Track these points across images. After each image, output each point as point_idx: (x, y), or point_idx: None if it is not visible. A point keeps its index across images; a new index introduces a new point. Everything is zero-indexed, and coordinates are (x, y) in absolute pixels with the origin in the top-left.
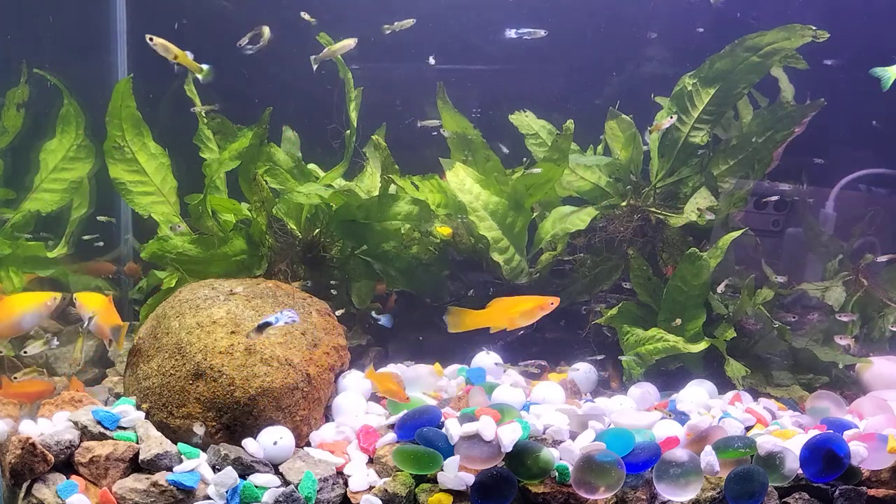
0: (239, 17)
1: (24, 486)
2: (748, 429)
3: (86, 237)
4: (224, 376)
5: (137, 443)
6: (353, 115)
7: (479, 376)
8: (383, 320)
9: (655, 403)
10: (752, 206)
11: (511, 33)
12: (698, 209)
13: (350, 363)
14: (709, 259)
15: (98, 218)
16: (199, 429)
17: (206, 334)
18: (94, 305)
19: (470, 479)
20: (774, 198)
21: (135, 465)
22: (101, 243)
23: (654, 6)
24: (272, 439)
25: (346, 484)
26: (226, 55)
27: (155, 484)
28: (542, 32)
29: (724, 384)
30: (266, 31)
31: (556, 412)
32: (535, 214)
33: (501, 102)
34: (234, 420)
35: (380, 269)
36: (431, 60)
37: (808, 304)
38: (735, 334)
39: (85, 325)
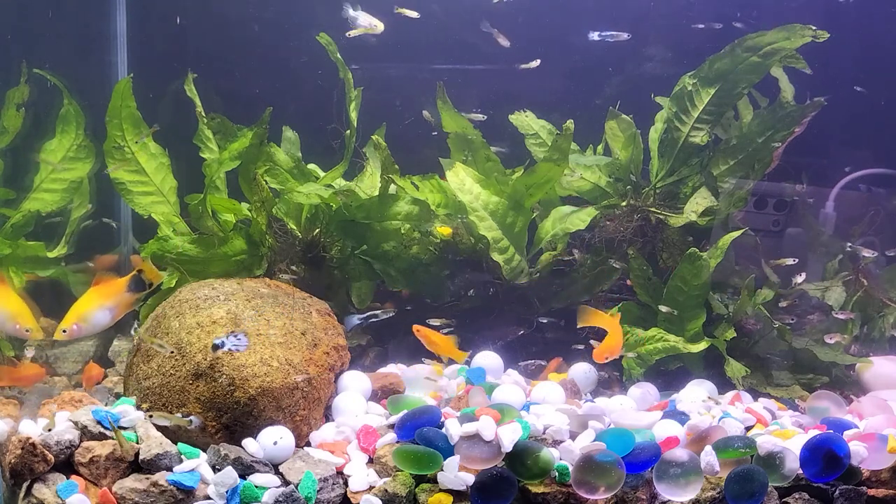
0: (239, 16)
1: (24, 485)
2: (748, 429)
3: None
4: (224, 376)
5: (137, 443)
6: (353, 115)
7: (479, 376)
8: (351, 322)
9: (655, 403)
10: (753, 206)
11: (594, 36)
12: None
13: (350, 363)
14: (709, 259)
15: (104, 220)
16: (160, 421)
17: (206, 334)
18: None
19: (470, 479)
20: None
21: (135, 465)
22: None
23: (653, 6)
24: (272, 439)
25: (346, 484)
26: (225, 55)
27: (155, 484)
28: (624, 35)
29: (724, 384)
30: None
31: (556, 412)
32: (534, 214)
33: (501, 102)
34: (234, 420)
35: (380, 269)
36: (535, 63)
37: (808, 304)
38: (735, 334)
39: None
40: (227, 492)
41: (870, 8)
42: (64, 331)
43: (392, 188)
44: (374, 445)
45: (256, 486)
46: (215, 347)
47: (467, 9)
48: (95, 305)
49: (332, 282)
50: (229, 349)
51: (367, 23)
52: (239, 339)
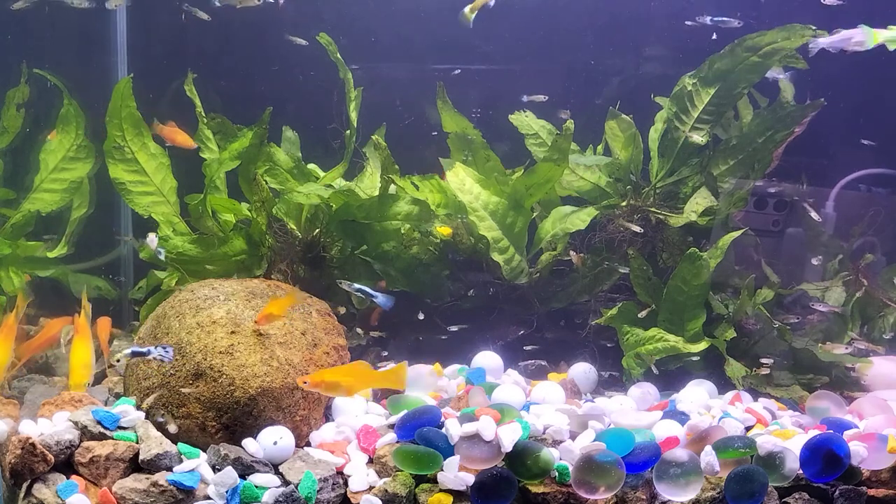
0: (239, 16)
1: (24, 486)
2: (748, 429)
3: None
4: (224, 376)
5: (137, 443)
6: (353, 115)
7: (479, 376)
8: (380, 299)
9: (655, 403)
10: (753, 206)
11: (706, 20)
12: None
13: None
14: (709, 259)
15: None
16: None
17: (206, 334)
18: None
19: (470, 479)
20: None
21: (135, 465)
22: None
23: (654, 6)
24: (272, 439)
25: (346, 484)
26: (226, 55)
27: (155, 484)
28: (735, 23)
29: (724, 384)
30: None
31: (556, 412)
32: (534, 214)
33: (501, 102)
34: (234, 420)
35: (380, 269)
36: (564, 115)
37: (808, 304)
38: (735, 334)
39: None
40: (227, 492)
41: (870, 8)
42: (83, 385)
43: (392, 188)
44: (374, 445)
45: (256, 486)
46: (136, 354)
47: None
48: (88, 352)
49: (332, 282)
50: (154, 357)
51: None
52: (166, 351)
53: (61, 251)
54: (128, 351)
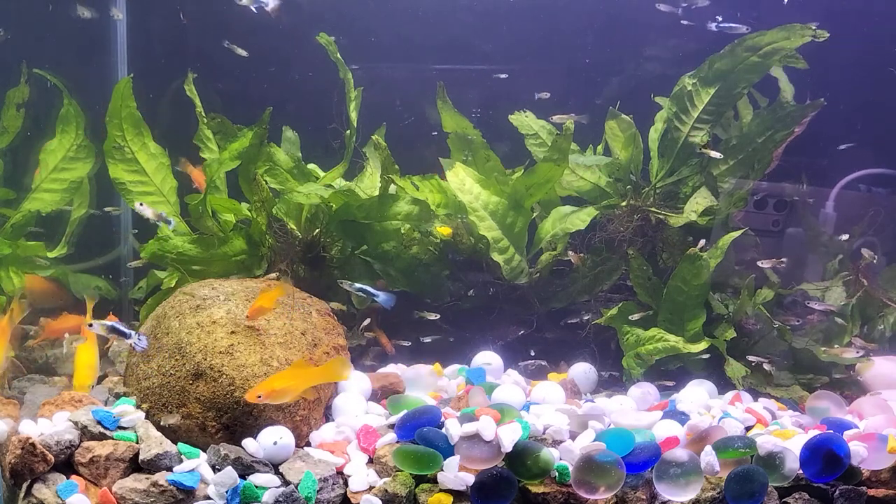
0: (239, 17)
1: (24, 486)
2: (748, 429)
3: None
4: (224, 376)
5: (137, 443)
6: (353, 115)
7: (479, 376)
8: (381, 298)
9: (655, 403)
10: (753, 206)
11: (713, 26)
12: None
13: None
14: (709, 259)
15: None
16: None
17: (206, 334)
18: None
19: (470, 479)
20: None
21: (135, 465)
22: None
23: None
24: (272, 439)
25: (346, 484)
26: (225, 55)
27: (155, 484)
28: (743, 28)
29: (724, 384)
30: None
31: (556, 412)
32: (534, 214)
33: (501, 102)
34: (234, 420)
35: (380, 269)
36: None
37: (807, 303)
38: (735, 334)
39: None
40: (227, 492)
41: (870, 7)
42: (87, 386)
43: (392, 188)
44: (374, 445)
45: (256, 486)
46: (115, 330)
47: (468, 9)
48: (93, 354)
49: (332, 282)
50: (130, 343)
51: None
52: (140, 340)
53: (61, 251)
54: (108, 323)
